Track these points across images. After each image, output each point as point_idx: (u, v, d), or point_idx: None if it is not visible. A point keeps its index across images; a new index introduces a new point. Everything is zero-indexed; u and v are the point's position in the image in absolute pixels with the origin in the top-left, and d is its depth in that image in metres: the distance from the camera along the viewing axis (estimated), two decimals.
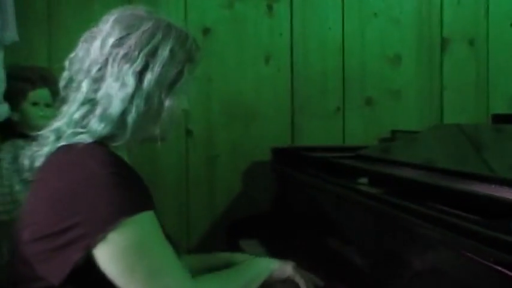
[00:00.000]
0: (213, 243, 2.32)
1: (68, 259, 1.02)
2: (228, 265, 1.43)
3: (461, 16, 2.54)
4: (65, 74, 1.19)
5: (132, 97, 1.12)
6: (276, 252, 1.85)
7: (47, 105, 1.93)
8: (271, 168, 2.34)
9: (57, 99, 1.22)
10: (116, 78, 1.12)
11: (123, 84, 1.12)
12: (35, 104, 1.97)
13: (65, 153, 1.10)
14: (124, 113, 1.12)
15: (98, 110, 1.12)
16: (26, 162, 1.17)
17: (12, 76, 1.93)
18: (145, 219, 1.06)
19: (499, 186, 1.21)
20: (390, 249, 1.30)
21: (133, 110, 1.12)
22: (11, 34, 1.88)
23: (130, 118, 1.12)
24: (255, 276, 1.30)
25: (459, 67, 2.54)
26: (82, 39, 1.18)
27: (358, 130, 2.49)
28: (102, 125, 1.11)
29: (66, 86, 1.18)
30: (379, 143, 2.32)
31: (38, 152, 1.15)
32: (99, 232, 1.00)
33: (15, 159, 1.88)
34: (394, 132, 2.36)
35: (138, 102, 1.12)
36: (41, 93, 1.98)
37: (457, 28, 2.54)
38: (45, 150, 1.14)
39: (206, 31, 2.35)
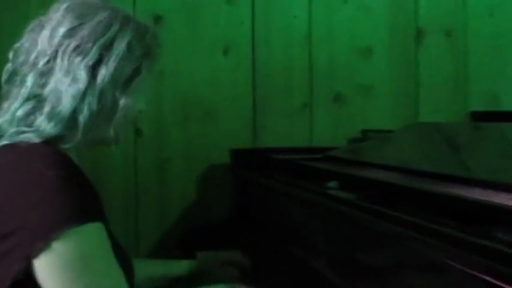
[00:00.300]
0: (166, 256, 2.32)
1: (6, 270, 1.01)
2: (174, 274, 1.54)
3: (437, 5, 2.57)
4: (8, 66, 1.19)
5: (84, 94, 1.12)
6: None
7: None
8: (230, 172, 2.36)
9: None
10: (66, 73, 1.13)
11: (74, 80, 1.12)
12: None
13: (6, 153, 1.10)
14: (75, 112, 1.12)
15: (46, 108, 1.12)
16: None
17: None
18: (94, 230, 1.06)
19: (479, 188, 1.23)
20: (363, 259, 1.33)
21: (85, 108, 1.12)
22: None
23: (82, 117, 1.12)
24: None
25: (435, 61, 2.58)
26: (29, 28, 1.19)
27: (327, 129, 2.51)
28: (51, 124, 1.11)
29: (8, 80, 1.18)
30: (349, 143, 2.36)
31: None
32: (40, 240, 1.00)
33: None
34: (365, 131, 2.39)
35: (91, 99, 1.13)
36: None
37: (433, 18, 2.57)
38: None
39: (157, 19, 2.34)
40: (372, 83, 2.56)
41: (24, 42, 1.18)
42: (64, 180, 1.05)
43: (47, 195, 1.03)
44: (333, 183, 1.60)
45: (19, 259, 1.00)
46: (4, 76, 1.19)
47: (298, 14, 2.49)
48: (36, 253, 1.00)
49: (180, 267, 1.66)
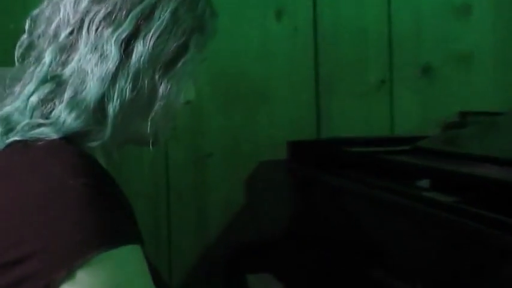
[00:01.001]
0: (206, 279, 2.37)
1: None
2: None
3: None
4: (23, 39, 1.19)
5: (114, 76, 1.11)
6: None
7: None
8: (287, 171, 2.38)
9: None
10: (93, 48, 1.12)
11: (103, 57, 1.11)
12: None
13: (19, 154, 1.09)
14: (103, 99, 1.11)
15: (67, 93, 1.11)
16: None
17: None
18: (129, 255, 1.04)
19: None
20: (462, 275, 1.33)
21: (116, 95, 1.11)
22: None
23: (112, 107, 1.11)
24: None
25: None
26: None
27: (413, 112, 2.52)
28: (73, 115, 1.10)
29: (23, 56, 1.19)
30: (444, 130, 2.35)
31: None
32: (60, 268, 0.98)
33: None
34: (463, 114, 2.39)
35: (123, 84, 1.12)
36: None
37: None
38: None
39: None
40: (471, 50, 2.56)
41: (45, 8, 1.18)
42: (90, 191, 1.03)
43: (70, 210, 1.01)
44: (423, 182, 1.62)
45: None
46: (18, 51, 1.19)
47: None
48: (56, 284, 0.98)
49: None
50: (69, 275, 0.97)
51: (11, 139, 1.11)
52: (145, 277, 1.08)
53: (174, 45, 1.16)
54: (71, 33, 1.14)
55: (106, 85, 1.11)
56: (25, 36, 1.19)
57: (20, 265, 1.00)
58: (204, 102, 2.42)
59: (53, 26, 1.15)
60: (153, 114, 1.16)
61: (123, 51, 1.12)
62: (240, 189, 2.45)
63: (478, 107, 2.39)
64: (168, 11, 1.15)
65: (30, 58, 1.17)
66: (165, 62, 1.15)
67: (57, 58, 1.14)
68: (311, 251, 2.09)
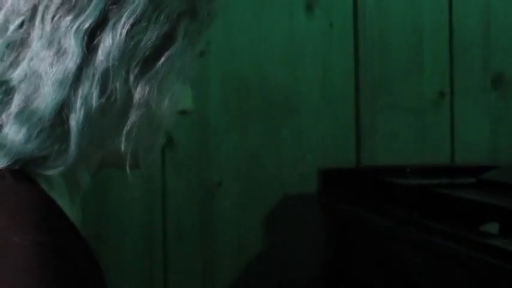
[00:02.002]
0: None
1: None
2: None
3: None
4: None
5: (76, 79, 1.08)
6: None
7: None
8: (319, 206, 2.40)
9: None
10: (49, 42, 1.09)
11: (60, 54, 1.09)
12: None
13: None
14: (62, 110, 1.08)
15: (15, 102, 1.09)
16: None
17: None
18: None
19: None
20: None
21: (79, 103, 1.08)
22: None
23: (74, 120, 1.08)
24: None
25: None
26: None
27: (479, 133, 2.53)
28: (23, 133, 1.08)
29: None
30: None
31: None
32: None
33: None
34: None
35: (88, 88, 1.08)
36: None
37: None
38: None
39: None
40: None
41: None
42: (41, 252, 1.01)
43: (10, 277, 1.00)
44: (492, 226, 1.63)
45: None
46: None
47: None
48: None
49: None
50: None
51: None
52: None
53: (155, 35, 1.12)
54: (21, 24, 1.11)
55: (66, 91, 1.08)
56: None
57: None
58: (213, 117, 2.45)
59: (0, 16, 1.13)
60: (128, 127, 1.12)
61: (87, 45, 1.09)
62: (257, 228, 2.48)
63: None
64: None
65: None
66: (142, 58, 1.11)
67: (4, 58, 1.11)
68: None
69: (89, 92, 1.08)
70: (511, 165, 2.22)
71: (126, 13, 1.10)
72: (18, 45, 1.11)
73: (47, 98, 1.07)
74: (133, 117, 1.11)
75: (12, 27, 1.11)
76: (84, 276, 1.05)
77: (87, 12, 1.09)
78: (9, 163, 1.07)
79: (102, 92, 1.09)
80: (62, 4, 1.10)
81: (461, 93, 2.55)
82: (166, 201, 2.44)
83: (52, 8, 1.10)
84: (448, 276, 1.67)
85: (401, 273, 1.91)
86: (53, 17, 1.10)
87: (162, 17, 1.12)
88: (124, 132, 1.12)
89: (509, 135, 2.50)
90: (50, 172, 1.10)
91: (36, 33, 1.10)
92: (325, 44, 2.50)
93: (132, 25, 1.10)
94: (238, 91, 2.47)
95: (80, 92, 1.08)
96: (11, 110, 1.09)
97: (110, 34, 1.09)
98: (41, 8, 1.10)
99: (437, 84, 2.54)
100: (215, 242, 2.46)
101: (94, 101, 1.08)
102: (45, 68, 1.08)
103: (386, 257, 2.01)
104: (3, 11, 1.12)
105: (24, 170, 1.09)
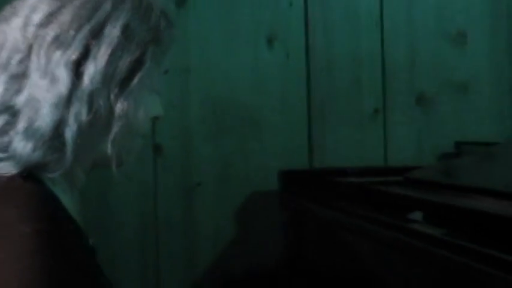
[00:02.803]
0: None
1: None
2: None
3: None
4: None
5: (67, 100, 1.10)
6: None
7: None
8: (279, 201, 2.37)
9: None
10: (44, 73, 1.11)
11: (54, 81, 1.11)
12: None
13: None
14: (59, 126, 1.10)
15: (21, 124, 1.10)
16: None
17: None
18: None
19: None
20: None
21: (72, 120, 1.10)
22: None
23: (69, 132, 1.10)
24: None
25: None
26: (0, 17, 1.18)
27: (407, 142, 2.53)
28: (30, 146, 1.08)
29: None
30: (438, 161, 2.36)
31: None
32: None
33: None
34: (459, 144, 2.40)
35: (78, 107, 1.11)
36: None
37: None
38: None
39: (180, 2, 2.38)
40: (467, 79, 2.57)
41: None
42: (42, 239, 1.01)
43: (14, 258, 0.98)
44: (416, 215, 1.61)
45: None
46: None
47: None
48: None
49: None
50: None
51: None
52: None
53: (128, 60, 1.15)
54: (22, 60, 1.13)
55: (60, 111, 1.10)
56: None
57: None
58: (194, 130, 2.42)
59: (4, 54, 1.14)
60: (112, 136, 1.15)
61: (75, 73, 1.11)
62: (230, 220, 2.44)
63: (474, 137, 2.40)
64: (118, 26, 1.14)
65: None
66: (120, 80, 1.14)
67: (10, 87, 1.12)
68: (302, 284, 2.08)
69: (79, 110, 1.11)
70: (431, 166, 2.23)
71: (104, 45, 1.13)
72: (20, 76, 1.12)
73: (45, 118, 1.09)
74: (115, 127, 1.15)
75: (14, 62, 1.13)
76: (77, 258, 1.05)
77: (72, 47, 1.12)
78: (19, 170, 1.08)
79: (89, 110, 1.12)
80: (52, 42, 1.12)
81: (391, 109, 2.54)
82: (157, 197, 2.41)
83: (44, 46, 1.12)
84: (382, 255, 1.65)
85: (346, 254, 1.89)
86: (45, 53, 1.12)
87: (133, 46, 1.16)
88: (109, 139, 1.15)
89: (431, 142, 2.52)
90: (52, 175, 1.12)
91: (33, 66, 1.12)
92: (283, 71, 2.49)
93: (110, 55, 1.13)
94: (214, 109, 2.44)
95: (72, 111, 1.11)
96: (17, 128, 1.11)
97: (93, 63, 1.12)
98: (35, 46, 1.12)
99: (373, 102, 2.54)
100: (196, 231, 2.43)
101: (83, 117, 1.11)
102: (43, 94, 1.11)
103: (333, 242, 1.98)
104: (6, 50, 1.14)
105: (31, 173, 1.09)
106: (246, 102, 2.46)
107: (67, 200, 1.14)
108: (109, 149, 1.15)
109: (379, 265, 1.67)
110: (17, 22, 1.14)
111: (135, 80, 1.15)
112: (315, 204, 2.12)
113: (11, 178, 1.07)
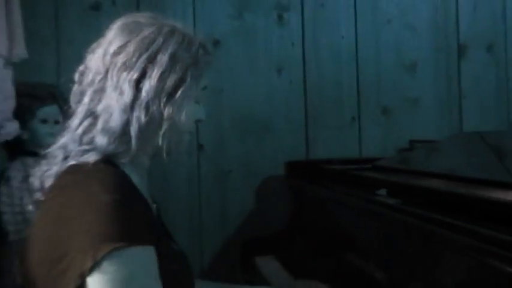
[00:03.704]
0: (227, 260, 2.35)
1: (66, 287, 0.99)
2: None
3: (477, 22, 2.56)
4: (75, 88, 1.17)
5: (131, 107, 1.10)
6: (294, 268, 1.87)
7: (56, 122, 1.97)
8: (285, 183, 2.36)
9: (66, 114, 1.20)
10: (115, 88, 1.11)
11: (121, 94, 1.11)
12: (44, 121, 2.01)
13: (72, 174, 1.09)
14: (125, 125, 1.10)
15: (100, 124, 1.11)
16: (36, 182, 1.15)
17: (21, 94, 1.97)
18: (140, 253, 1.01)
19: None
20: (411, 261, 1.33)
21: (134, 121, 1.10)
22: (20, 51, 1.91)
23: (133, 130, 1.10)
24: None
25: (478, 74, 2.56)
26: (89, 50, 1.18)
27: (375, 140, 2.50)
28: (106, 140, 1.09)
29: (74, 100, 1.17)
30: (397, 153, 2.34)
31: (47, 172, 1.13)
32: (91, 260, 0.96)
33: (26, 178, 1.92)
34: (412, 142, 2.38)
35: (138, 112, 1.10)
36: (49, 110, 2.02)
37: (474, 34, 2.55)
38: (54, 169, 1.13)
39: (216, 43, 2.38)
40: (418, 96, 2.55)
41: (87, 63, 1.16)
42: (117, 205, 1.01)
43: (100, 219, 0.99)
44: (381, 191, 1.61)
45: (74, 277, 0.97)
46: (72, 97, 1.16)
47: (345, 35, 2.50)
48: (88, 271, 0.96)
49: None
50: (97, 264, 0.96)
51: (69, 163, 1.11)
52: (150, 269, 1.03)
53: (174, 79, 1.13)
54: (101, 79, 1.13)
55: (126, 115, 1.10)
56: (76, 85, 1.17)
57: (64, 258, 0.99)
58: (226, 133, 2.42)
59: (91, 75, 1.15)
60: (162, 131, 1.13)
61: (136, 88, 1.11)
62: (251, 197, 2.44)
63: (422, 137, 2.38)
64: (167, 54, 1.13)
65: (78, 100, 1.16)
66: (167, 93, 1.13)
67: (93, 98, 1.13)
68: (302, 240, 2.08)
69: (139, 114, 1.10)
70: (392, 157, 2.21)
71: (157, 68, 1.12)
72: (99, 91, 1.13)
73: (116, 120, 1.10)
74: (165, 126, 1.13)
75: (96, 80, 1.13)
76: (142, 216, 1.05)
77: (135, 69, 1.11)
78: (100, 157, 1.08)
79: (146, 114, 1.11)
80: (121, 66, 1.11)
81: (364, 118, 2.52)
82: (200, 180, 2.41)
83: (116, 69, 1.11)
84: (357, 219, 1.65)
85: (333, 219, 1.88)
86: (116, 74, 1.11)
87: (177, 69, 1.13)
88: (160, 134, 1.14)
89: (391, 141, 2.48)
90: (123, 160, 1.11)
91: (108, 83, 1.12)
92: (287, 92, 2.48)
93: (160, 75, 1.12)
94: (239, 119, 2.44)
95: (134, 115, 1.10)
96: (97, 128, 1.11)
97: (148, 81, 1.11)
98: (110, 70, 1.12)
99: (351, 112, 2.52)
100: (228, 204, 2.43)
101: (142, 119, 1.10)
102: (114, 103, 1.10)
103: (323, 210, 1.97)
104: (91, 73, 1.14)
105: (108, 159, 1.09)
106: (262, 114, 2.45)
107: (136, 178, 1.12)
108: (160, 141, 1.14)
109: (356, 227, 1.68)
110: (99, 52, 1.15)
111: (179, 93, 1.13)
112: (310, 185, 2.12)
113: (95, 163, 1.07)
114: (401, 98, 2.53)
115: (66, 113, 1.17)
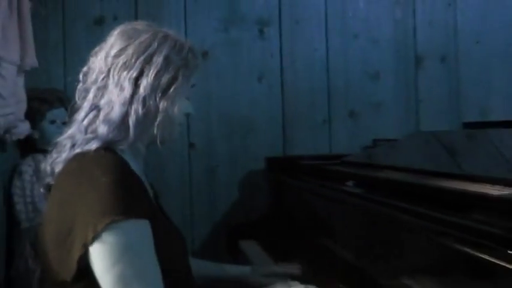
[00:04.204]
0: (215, 245, 2.34)
1: (72, 259, 1.01)
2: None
3: (432, 36, 2.56)
4: (79, 86, 1.18)
5: (130, 101, 1.11)
6: (273, 251, 1.87)
7: (63, 123, 1.96)
8: (266, 176, 2.36)
9: (71, 111, 1.21)
10: (116, 85, 1.12)
11: (122, 90, 1.11)
12: (52, 122, 2.00)
13: (77, 161, 1.10)
14: (124, 116, 1.11)
15: (102, 115, 1.12)
16: (47, 168, 1.16)
17: (32, 98, 1.96)
18: (137, 226, 1.02)
19: (469, 182, 1.23)
20: (375, 242, 1.33)
21: (132, 113, 1.11)
22: (31, 60, 1.89)
23: (131, 121, 1.11)
24: None
25: (433, 81, 2.56)
26: (92, 53, 1.19)
27: (343, 140, 2.50)
28: (106, 128, 1.10)
29: (79, 97, 1.18)
30: (362, 150, 2.34)
31: (57, 159, 1.14)
32: (93, 231, 0.98)
33: (36, 172, 1.91)
34: (375, 140, 2.37)
35: (136, 106, 1.11)
36: (57, 113, 2.01)
37: (430, 47, 2.56)
38: (63, 156, 1.13)
39: (205, 54, 2.37)
40: (381, 100, 2.54)
41: (90, 64, 1.17)
42: (116, 184, 1.02)
43: (100, 197, 1.00)
44: (349, 183, 1.62)
45: (79, 247, 0.99)
46: (77, 94, 1.18)
47: (318, 47, 2.50)
48: (90, 241, 0.98)
49: (237, 270, 1.54)
50: (97, 235, 0.98)
51: (76, 151, 1.12)
52: (145, 241, 1.03)
53: (167, 77, 1.14)
54: (104, 78, 1.14)
55: (125, 107, 1.11)
56: (81, 84, 1.18)
57: (72, 232, 1.01)
58: (214, 133, 2.42)
59: (94, 75, 1.15)
60: (157, 122, 1.14)
61: (134, 85, 1.12)
62: (236, 188, 2.43)
63: (384, 136, 2.38)
64: (161, 56, 1.14)
65: (83, 97, 1.17)
66: (162, 89, 1.14)
67: (97, 94, 1.14)
68: (280, 227, 2.08)
69: (137, 107, 1.11)
70: (358, 153, 2.22)
71: (153, 68, 1.13)
72: (102, 88, 1.14)
73: (117, 112, 1.11)
74: (160, 117, 1.14)
75: (99, 79, 1.14)
76: (134, 194, 1.05)
77: (134, 68, 1.12)
78: (101, 145, 1.09)
79: (143, 107, 1.12)
80: (121, 66, 1.12)
81: (334, 120, 2.51)
82: (191, 173, 2.40)
83: (117, 68, 1.12)
84: (328, 207, 1.66)
85: (307, 207, 1.88)
86: (118, 72, 1.12)
87: (170, 69, 1.15)
88: (156, 124, 1.14)
89: (357, 140, 2.46)
90: (122, 148, 1.12)
91: (110, 81, 1.12)
92: (267, 96, 2.47)
93: (156, 74, 1.13)
94: (226, 120, 2.43)
95: (133, 108, 1.11)
96: (99, 118, 1.12)
97: (146, 79, 1.12)
98: (112, 69, 1.13)
99: (322, 115, 2.51)
100: (216, 195, 2.42)
101: (140, 111, 1.11)
102: (115, 98, 1.11)
103: (298, 200, 1.98)
104: (95, 73, 1.15)
105: (109, 147, 1.10)
106: (245, 116, 2.44)
107: (133, 164, 1.13)
108: (155, 131, 1.15)
109: (327, 213, 1.68)
110: (101, 55, 1.15)
111: (172, 89, 1.15)
112: (287, 178, 2.12)
113: (97, 150, 1.09)
114: (366, 102, 2.53)
115: (72, 109, 1.19)
